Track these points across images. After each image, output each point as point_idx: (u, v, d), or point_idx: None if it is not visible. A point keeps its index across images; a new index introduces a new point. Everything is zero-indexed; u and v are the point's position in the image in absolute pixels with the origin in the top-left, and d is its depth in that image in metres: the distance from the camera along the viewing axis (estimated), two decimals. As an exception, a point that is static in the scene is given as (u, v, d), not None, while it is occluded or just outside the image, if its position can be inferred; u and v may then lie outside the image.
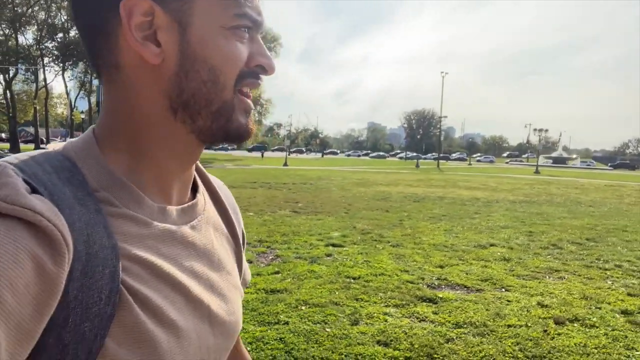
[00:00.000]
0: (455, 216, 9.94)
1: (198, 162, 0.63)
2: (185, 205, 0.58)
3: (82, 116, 54.14)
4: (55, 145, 0.54)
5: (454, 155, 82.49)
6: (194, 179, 0.62)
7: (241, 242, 0.69)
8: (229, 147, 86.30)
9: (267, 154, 63.60)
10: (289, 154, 56.50)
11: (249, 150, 75.59)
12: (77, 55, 39.55)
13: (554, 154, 71.56)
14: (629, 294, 4.76)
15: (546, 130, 43.96)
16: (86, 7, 0.50)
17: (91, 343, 0.42)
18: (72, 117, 50.58)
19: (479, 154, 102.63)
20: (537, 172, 38.79)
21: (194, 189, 0.62)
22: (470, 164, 59.05)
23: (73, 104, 53.04)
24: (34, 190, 0.42)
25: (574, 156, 71.47)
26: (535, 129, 44.54)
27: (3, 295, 0.35)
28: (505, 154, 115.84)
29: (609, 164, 78.12)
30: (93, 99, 45.10)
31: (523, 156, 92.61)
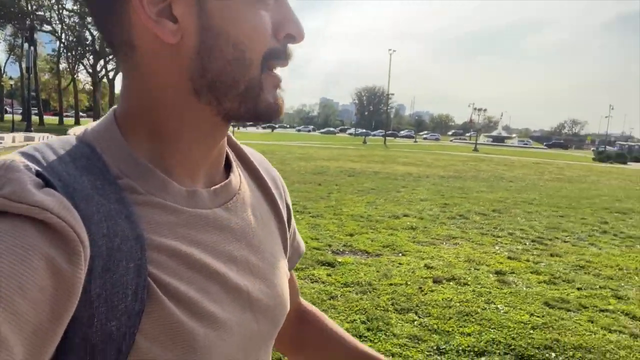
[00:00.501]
0: (382, 190, 10.43)
1: (231, 134, 0.60)
2: (218, 186, 0.53)
3: (11, 83, 50.53)
4: (76, 130, 0.50)
5: (402, 132, 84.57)
6: (227, 155, 0.58)
7: (285, 216, 0.65)
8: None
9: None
10: (237, 128, 55.71)
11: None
12: (5, 16, 36.69)
13: (494, 133, 75.16)
14: (508, 257, 5.34)
15: (485, 110, 46.03)
16: None
17: (120, 342, 0.40)
18: (1, 83, 47.20)
19: (426, 132, 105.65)
20: (475, 149, 40.70)
21: (227, 167, 0.57)
22: (416, 141, 60.87)
23: (2, 69, 49.41)
24: (47, 183, 0.39)
25: (513, 135, 75.25)
26: (475, 108, 46.45)
27: (14, 302, 0.33)
28: (450, 132, 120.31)
29: (545, 143, 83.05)
30: (24, 65, 42.24)
31: (467, 134, 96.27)
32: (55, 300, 0.36)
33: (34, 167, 0.39)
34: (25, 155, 0.42)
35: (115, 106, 0.52)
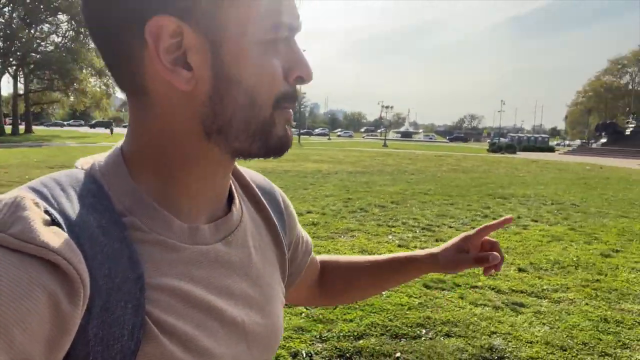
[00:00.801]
0: (290, 187, 10.54)
1: (237, 168, 0.63)
2: (219, 220, 0.55)
3: None
4: (84, 163, 0.51)
5: (316, 130, 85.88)
6: (230, 185, 0.58)
7: (285, 242, 0.66)
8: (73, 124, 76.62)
9: (120, 130, 57.61)
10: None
11: (91, 127, 67.18)
12: None
13: (402, 129, 79.20)
14: (399, 245, 5.70)
15: (392, 107, 48.23)
16: (103, 26, 0.45)
17: None
18: None
19: (340, 129, 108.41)
20: (385, 145, 42.55)
21: (230, 198, 0.58)
22: (329, 139, 62.10)
23: None
24: (54, 221, 0.40)
25: (420, 131, 79.84)
26: (383, 106, 48.58)
27: (13, 333, 0.34)
28: (363, 129, 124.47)
29: (447, 137, 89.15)
30: None
31: (378, 131, 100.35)
32: (52, 337, 0.37)
33: (43, 204, 0.41)
34: (35, 191, 0.43)
35: (121, 141, 0.52)
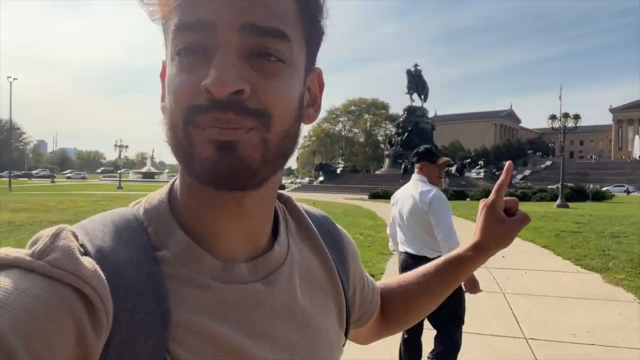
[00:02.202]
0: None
1: (292, 199, 0.63)
2: (259, 258, 0.53)
3: None
4: (137, 201, 0.54)
5: (36, 172, 73.35)
6: (277, 222, 0.58)
7: (344, 284, 0.63)
8: None
9: None
10: None
11: None
12: None
13: (143, 169, 75.44)
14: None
15: (126, 147, 45.27)
16: None
17: None
18: None
19: (70, 170, 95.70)
20: (119, 187, 39.30)
21: (275, 235, 0.57)
22: (54, 182, 53.79)
23: None
24: (87, 252, 0.43)
25: (165, 170, 77.40)
26: (118, 145, 45.18)
27: (40, 354, 0.35)
28: (100, 170, 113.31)
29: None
30: None
31: (118, 172, 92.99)
32: None
33: (81, 237, 0.44)
34: (78, 225, 0.47)
35: (176, 177, 0.54)
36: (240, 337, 0.48)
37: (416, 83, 49.58)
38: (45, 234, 0.42)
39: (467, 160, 54.36)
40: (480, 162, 46.51)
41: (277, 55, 0.45)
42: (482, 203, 0.75)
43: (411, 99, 49.18)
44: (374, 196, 28.57)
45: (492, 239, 0.73)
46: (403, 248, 3.25)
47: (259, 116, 0.45)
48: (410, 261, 3.13)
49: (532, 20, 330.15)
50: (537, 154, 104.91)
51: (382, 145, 75.00)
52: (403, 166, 37.39)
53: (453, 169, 37.70)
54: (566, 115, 24.95)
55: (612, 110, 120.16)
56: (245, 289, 0.50)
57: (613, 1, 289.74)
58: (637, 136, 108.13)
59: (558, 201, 23.60)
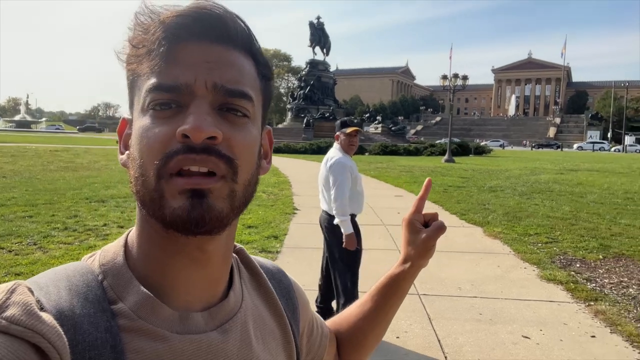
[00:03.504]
0: None
1: (244, 250, 0.65)
2: (214, 307, 0.54)
3: None
4: (90, 255, 0.55)
5: None
6: (232, 271, 0.59)
7: (295, 333, 0.65)
8: None
9: None
10: None
11: None
12: None
13: (17, 117, 66.61)
14: None
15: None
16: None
17: None
18: None
19: None
20: (-14, 139, 34.39)
21: (230, 284, 0.58)
22: None
23: None
24: (43, 309, 0.44)
25: (42, 119, 69.18)
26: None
27: None
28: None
29: (78, 127, 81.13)
30: None
31: None
32: None
33: (36, 291, 0.45)
34: (30, 280, 0.48)
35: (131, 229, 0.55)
36: None
37: (319, 36, 49.23)
38: (0, 289, 0.42)
39: (367, 115, 56.24)
40: (378, 117, 48.25)
41: (242, 111, 0.51)
42: (403, 220, 0.80)
43: (314, 52, 48.96)
44: (277, 151, 28.48)
45: (415, 250, 0.77)
46: (321, 206, 3.81)
47: (229, 163, 0.48)
48: (322, 216, 3.79)
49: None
50: (429, 110, 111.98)
51: (284, 99, 74.33)
52: (305, 120, 37.59)
53: (353, 123, 38.58)
54: (456, 76, 26.64)
55: (493, 70, 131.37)
56: (201, 338, 0.51)
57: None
58: (513, 95, 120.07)
59: (446, 156, 25.62)
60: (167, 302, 0.51)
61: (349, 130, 3.60)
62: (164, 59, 0.48)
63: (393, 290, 0.78)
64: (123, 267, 0.51)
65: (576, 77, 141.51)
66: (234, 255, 0.62)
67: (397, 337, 3.67)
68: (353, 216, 3.64)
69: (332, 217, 3.62)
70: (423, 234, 0.76)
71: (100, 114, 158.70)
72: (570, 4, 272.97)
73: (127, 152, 0.53)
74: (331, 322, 0.82)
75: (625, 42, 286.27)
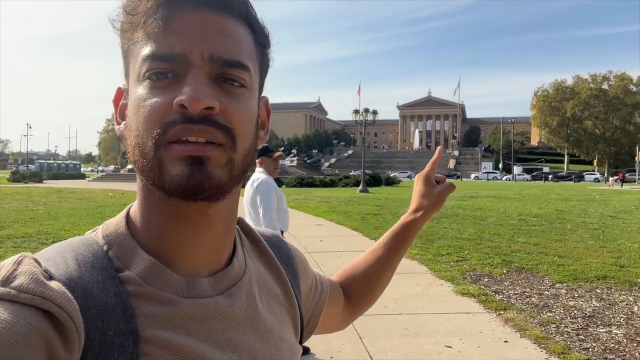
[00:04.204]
0: None
1: (244, 219, 0.65)
2: (220, 272, 0.55)
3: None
4: (94, 229, 0.55)
5: None
6: (234, 241, 0.59)
7: (298, 297, 0.65)
8: None
9: None
10: None
11: None
12: None
13: None
14: None
15: None
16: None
17: None
18: None
19: None
20: None
21: (234, 251, 0.59)
22: None
23: None
24: (52, 277, 0.43)
25: None
26: None
27: None
28: None
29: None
30: None
31: None
32: None
33: (43, 262, 0.45)
34: (38, 254, 0.48)
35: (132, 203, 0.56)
36: (207, 349, 0.49)
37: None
38: (7, 262, 0.43)
39: (281, 149, 56.89)
40: (293, 151, 49.05)
41: (240, 81, 0.50)
42: (418, 175, 0.90)
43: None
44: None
45: (428, 202, 0.86)
46: None
47: (227, 133, 0.48)
48: None
49: (338, 20, 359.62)
50: (342, 143, 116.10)
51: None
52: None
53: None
54: (367, 111, 28.16)
55: (399, 107, 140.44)
56: (209, 302, 0.52)
57: (406, 10, 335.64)
58: (417, 130, 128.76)
59: (360, 187, 26.70)
60: (172, 269, 0.51)
61: (275, 155, 3.96)
62: (159, 26, 0.47)
63: (405, 236, 0.86)
64: (127, 237, 0.52)
65: (470, 114, 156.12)
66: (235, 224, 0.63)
67: (331, 357, 3.72)
68: (281, 233, 3.76)
69: None
70: (438, 188, 0.87)
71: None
72: (463, 48, 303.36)
73: (123, 122, 0.53)
74: (342, 272, 0.87)
75: (510, 82, 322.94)
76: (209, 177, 0.47)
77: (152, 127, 0.47)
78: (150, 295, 0.48)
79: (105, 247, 0.51)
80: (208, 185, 0.47)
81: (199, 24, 0.48)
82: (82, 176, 45.87)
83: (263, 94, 0.59)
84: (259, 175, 3.90)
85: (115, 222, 0.54)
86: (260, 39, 0.54)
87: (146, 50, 0.48)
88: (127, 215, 0.54)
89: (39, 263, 0.44)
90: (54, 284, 0.42)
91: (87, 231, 0.55)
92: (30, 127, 70.06)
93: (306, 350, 4.09)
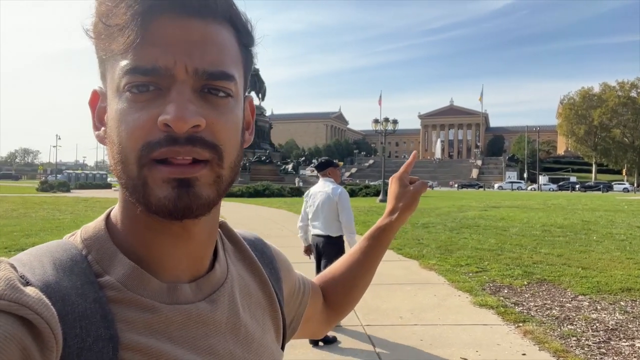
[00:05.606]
0: None
1: (226, 223, 0.64)
2: (201, 278, 0.54)
3: None
4: (72, 233, 0.54)
5: None
6: (216, 245, 0.58)
7: (280, 301, 0.65)
8: None
9: None
10: None
11: None
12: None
13: None
14: None
15: None
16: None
17: None
18: None
19: None
20: None
21: (215, 256, 0.58)
22: None
23: None
24: (29, 283, 0.42)
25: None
26: None
27: None
28: None
29: (-9, 175, 74.92)
30: None
31: None
32: None
33: (19, 268, 0.44)
34: (14, 258, 0.46)
35: (112, 207, 0.55)
36: (188, 355, 0.49)
37: (254, 82, 50.07)
38: None
39: (302, 159, 57.17)
40: (314, 161, 49.21)
41: (225, 92, 0.49)
42: (392, 177, 0.91)
43: (249, 97, 49.42)
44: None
45: (403, 202, 0.87)
46: (315, 231, 4.51)
47: (214, 150, 0.47)
48: (320, 240, 4.48)
49: (358, 30, 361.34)
50: (362, 153, 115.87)
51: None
52: (242, 164, 37.35)
53: (289, 167, 39.11)
54: (387, 120, 28.09)
55: (420, 116, 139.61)
56: (190, 308, 0.51)
57: (426, 20, 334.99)
58: (438, 140, 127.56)
59: (380, 196, 26.51)
60: (154, 274, 0.50)
61: (340, 164, 4.77)
62: (139, 36, 0.44)
63: (381, 239, 0.86)
64: (107, 241, 0.50)
65: (493, 123, 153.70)
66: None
67: (344, 367, 3.70)
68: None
69: (328, 238, 4.40)
70: (411, 188, 0.88)
71: (17, 160, 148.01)
72: (485, 56, 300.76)
73: (102, 128, 0.51)
74: (321, 275, 0.87)
75: (535, 90, 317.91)
76: (197, 198, 0.47)
77: (134, 144, 0.45)
78: (131, 300, 0.47)
79: (84, 252, 0.49)
80: (196, 206, 0.47)
81: (181, 34, 0.46)
82: (108, 186, 46.94)
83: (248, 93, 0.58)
84: (332, 184, 4.46)
85: (94, 226, 0.53)
86: (245, 40, 0.53)
87: (126, 62, 0.45)
88: (107, 219, 0.53)
89: (15, 268, 0.43)
90: (30, 290, 0.40)
91: (66, 235, 0.54)
92: (60, 139, 72.23)
93: (333, 340, 4.08)
